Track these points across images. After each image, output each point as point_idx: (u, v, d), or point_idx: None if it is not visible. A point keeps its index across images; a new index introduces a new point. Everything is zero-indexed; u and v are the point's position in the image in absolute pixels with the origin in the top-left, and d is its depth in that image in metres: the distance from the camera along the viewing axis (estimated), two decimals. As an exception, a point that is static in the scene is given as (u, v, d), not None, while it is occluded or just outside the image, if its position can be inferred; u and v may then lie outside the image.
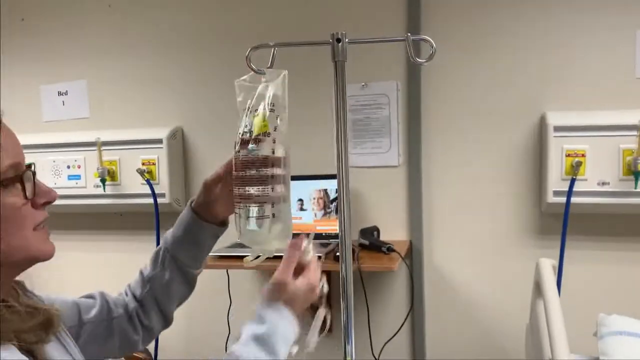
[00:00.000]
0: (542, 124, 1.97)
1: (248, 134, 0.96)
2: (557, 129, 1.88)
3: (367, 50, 2.07)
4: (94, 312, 1.04)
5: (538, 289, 1.51)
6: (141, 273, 1.10)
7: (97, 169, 2.30)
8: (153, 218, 2.27)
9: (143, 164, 2.29)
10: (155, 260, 1.08)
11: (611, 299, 1.91)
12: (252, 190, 0.94)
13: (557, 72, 1.97)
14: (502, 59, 2.02)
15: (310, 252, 1.02)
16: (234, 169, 0.95)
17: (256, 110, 0.96)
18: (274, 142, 0.96)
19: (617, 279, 1.94)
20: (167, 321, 1.11)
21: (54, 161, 2.40)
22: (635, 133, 1.80)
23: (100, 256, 2.52)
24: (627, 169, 1.81)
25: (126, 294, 1.10)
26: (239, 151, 0.96)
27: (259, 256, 1.00)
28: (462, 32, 2.05)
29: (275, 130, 0.96)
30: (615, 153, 1.83)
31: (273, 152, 0.96)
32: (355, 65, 2.17)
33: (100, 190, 2.33)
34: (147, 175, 2.27)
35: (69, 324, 0.97)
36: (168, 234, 1.08)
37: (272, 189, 0.95)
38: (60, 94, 2.52)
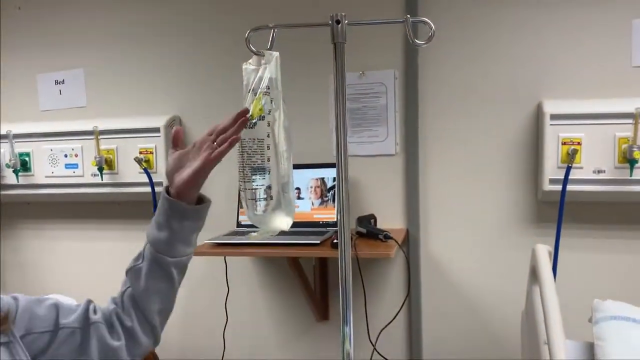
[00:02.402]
0: (538, 112, 1.98)
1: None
2: (554, 117, 1.89)
3: (365, 39, 2.07)
4: (72, 317, 0.98)
5: (534, 275, 1.52)
6: (125, 272, 1.05)
7: (95, 158, 2.30)
8: (151, 207, 2.28)
9: (140, 152, 2.29)
10: (136, 256, 1.04)
11: (605, 286, 1.92)
12: (251, 172, 0.96)
13: (553, 60, 1.97)
14: (499, 47, 2.03)
15: None
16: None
17: (255, 93, 0.97)
18: (268, 125, 0.97)
19: (612, 266, 1.96)
20: (151, 326, 1.03)
21: (51, 150, 2.40)
22: (630, 121, 1.81)
23: (98, 245, 2.53)
24: (622, 157, 1.83)
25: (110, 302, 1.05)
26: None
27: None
28: (459, 20, 2.06)
29: (269, 114, 0.97)
30: (611, 141, 1.84)
31: (269, 135, 0.97)
32: (352, 54, 2.18)
33: (97, 179, 2.33)
34: (145, 164, 2.27)
35: (41, 328, 0.94)
36: (147, 228, 1.05)
37: (270, 171, 0.97)
38: (57, 82, 2.51)
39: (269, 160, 0.96)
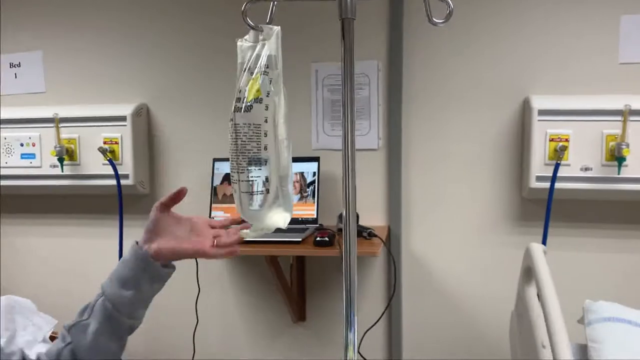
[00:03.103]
0: (525, 107, 1.93)
1: (241, 100, 0.86)
2: (542, 112, 1.84)
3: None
4: None
5: (528, 275, 1.46)
6: (65, 327, 0.93)
7: (55, 148, 2.14)
8: (116, 201, 2.13)
9: (105, 142, 2.15)
10: (82, 311, 0.92)
11: (593, 286, 1.89)
12: (246, 162, 0.85)
13: (540, 55, 1.93)
14: (485, 41, 1.97)
15: None
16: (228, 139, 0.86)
17: (251, 73, 0.86)
18: (267, 108, 0.86)
19: (599, 265, 1.93)
20: None
21: (5, 138, 2.21)
22: (618, 118, 1.78)
23: (57, 242, 2.35)
24: (609, 155, 1.80)
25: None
26: (231, 119, 0.86)
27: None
28: (446, 13, 1.98)
29: (268, 96, 0.86)
30: (599, 138, 1.81)
31: (266, 120, 0.87)
32: (333, 43, 2.09)
33: (57, 171, 2.16)
34: (110, 155, 2.12)
35: None
36: (106, 280, 0.94)
37: (267, 161, 0.86)
38: (12, 65, 2.32)
39: (266, 148, 0.85)
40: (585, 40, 1.90)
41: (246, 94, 0.85)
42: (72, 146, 2.16)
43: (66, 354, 0.90)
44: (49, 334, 1.86)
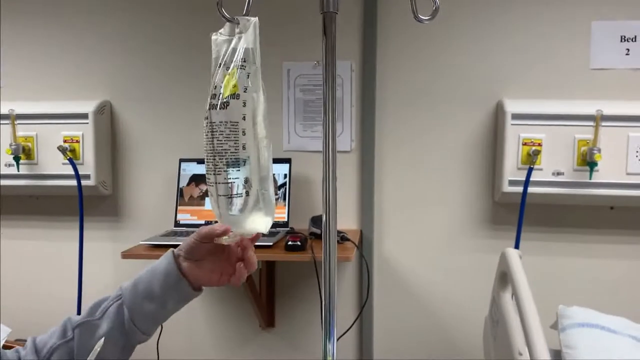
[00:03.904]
0: (498, 111, 1.93)
1: (216, 97, 0.80)
2: (515, 116, 1.84)
3: (320, 27, 1.93)
4: None
5: (503, 280, 1.45)
6: (68, 320, 0.85)
7: (10, 146, 2.03)
8: (76, 202, 2.03)
9: (65, 141, 2.05)
10: (94, 307, 0.85)
11: (565, 291, 1.90)
12: (224, 163, 0.79)
13: (514, 60, 1.93)
14: (460, 44, 1.96)
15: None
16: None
17: (227, 68, 0.81)
18: (244, 105, 0.81)
19: (571, 270, 1.94)
20: None
21: (-45, 135, 2.09)
22: (590, 123, 1.79)
23: (13, 244, 2.23)
24: (581, 160, 1.81)
25: (24, 348, 0.84)
26: (206, 117, 0.80)
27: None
28: (421, 15, 1.96)
29: (245, 92, 0.81)
30: (571, 143, 1.82)
31: (244, 118, 0.81)
32: (306, 43, 2.06)
33: (13, 170, 2.06)
34: (70, 154, 2.03)
35: None
36: (127, 283, 0.87)
37: (246, 161, 0.80)
38: (-35, 58, 2.19)
39: (244, 148, 0.79)
40: (557, 45, 1.91)
41: (222, 90, 0.79)
42: (30, 144, 2.06)
43: (62, 352, 0.82)
44: (3, 342, 1.75)
